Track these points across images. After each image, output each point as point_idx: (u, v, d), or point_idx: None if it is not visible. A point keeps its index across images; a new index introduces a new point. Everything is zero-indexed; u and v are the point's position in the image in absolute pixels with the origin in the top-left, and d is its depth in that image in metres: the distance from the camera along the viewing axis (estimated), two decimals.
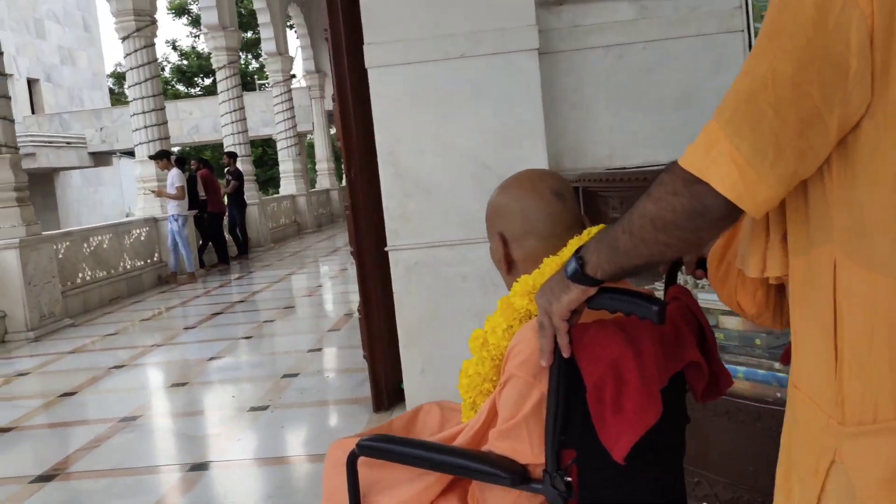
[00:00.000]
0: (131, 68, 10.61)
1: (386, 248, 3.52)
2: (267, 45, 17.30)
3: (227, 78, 14.16)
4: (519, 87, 3.41)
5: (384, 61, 3.41)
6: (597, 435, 1.19)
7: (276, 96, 17.56)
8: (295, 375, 4.95)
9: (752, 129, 0.88)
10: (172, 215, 10.16)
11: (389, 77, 3.42)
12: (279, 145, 17.71)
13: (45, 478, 3.57)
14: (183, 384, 5.12)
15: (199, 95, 29.94)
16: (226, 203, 12.45)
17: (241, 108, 14.38)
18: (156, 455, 3.95)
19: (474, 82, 3.40)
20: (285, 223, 16.57)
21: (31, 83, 22.36)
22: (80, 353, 6.42)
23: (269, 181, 28.61)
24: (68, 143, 21.69)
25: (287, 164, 17.61)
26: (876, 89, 0.85)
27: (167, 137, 10.89)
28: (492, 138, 3.41)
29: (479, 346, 1.39)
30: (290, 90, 17.82)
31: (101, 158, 23.54)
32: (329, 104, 22.67)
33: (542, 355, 1.20)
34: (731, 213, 0.92)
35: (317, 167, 21.17)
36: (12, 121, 7.50)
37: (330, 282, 9.71)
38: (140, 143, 10.68)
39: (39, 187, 18.68)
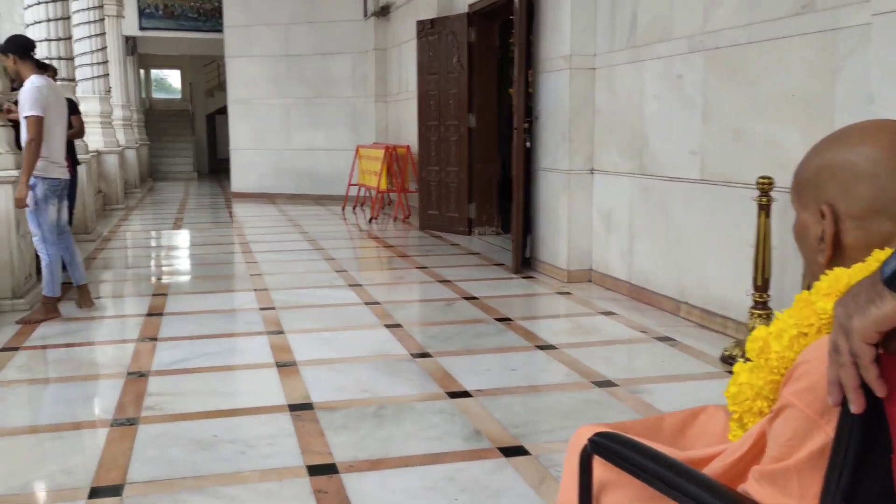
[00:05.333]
0: None
1: None
2: None
3: None
4: None
5: None
6: None
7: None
8: None
9: None
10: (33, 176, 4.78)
11: None
12: (79, 74, 11.66)
13: None
14: None
15: None
16: None
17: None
18: None
19: None
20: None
21: None
22: None
23: None
24: None
25: (92, 104, 11.64)
26: None
27: None
28: None
29: (757, 349, 1.10)
30: None
31: None
32: (129, 28, 16.45)
33: (829, 388, 0.88)
34: None
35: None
36: None
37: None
38: None
39: None
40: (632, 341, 4.49)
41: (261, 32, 13.70)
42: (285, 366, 3.98)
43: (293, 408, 3.37)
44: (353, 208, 11.82)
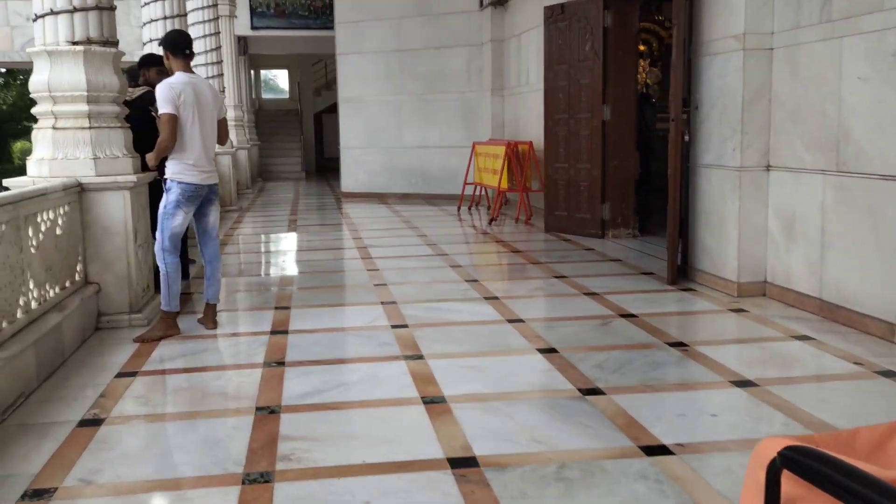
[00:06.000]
0: None
1: None
2: None
3: None
4: None
5: None
6: None
7: None
8: None
9: None
10: (167, 179, 4.47)
11: None
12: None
13: None
14: None
15: None
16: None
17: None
18: None
19: None
20: None
21: None
22: None
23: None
24: None
25: None
26: None
27: (112, 7, 4.91)
28: None
29: None
30: None
31: None
32: (241, 28, 16.41)
33: None
34: None
35: None
36: None
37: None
38: (50, 14, 4.67)
39: None
40: (848, 377, 3.67)
41: (372, 28, 13.30)
42: (433, 402, 3.38)
43: (454, 463, 2.76)
44: (469, 208, 11.23)
